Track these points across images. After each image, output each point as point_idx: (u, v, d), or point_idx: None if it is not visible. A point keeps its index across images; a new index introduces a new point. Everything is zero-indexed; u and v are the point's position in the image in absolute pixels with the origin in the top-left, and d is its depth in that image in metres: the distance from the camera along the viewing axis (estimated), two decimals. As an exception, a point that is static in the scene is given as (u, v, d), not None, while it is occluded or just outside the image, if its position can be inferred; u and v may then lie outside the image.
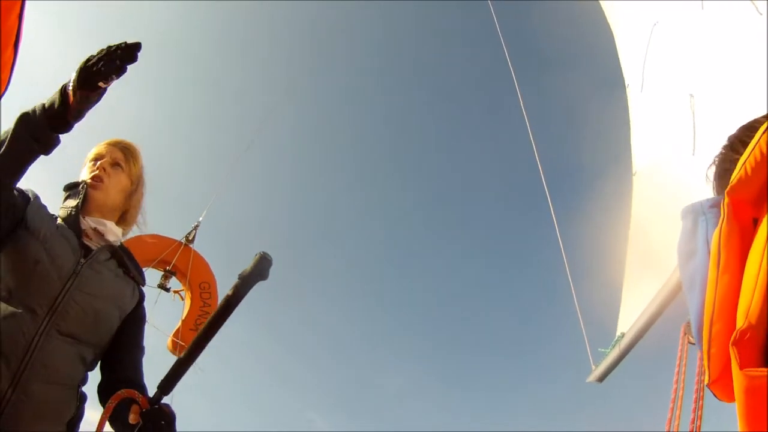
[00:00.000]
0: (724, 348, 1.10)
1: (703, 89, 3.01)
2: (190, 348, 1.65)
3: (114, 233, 2.01)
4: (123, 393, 1.65)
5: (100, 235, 1.96)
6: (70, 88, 1.58)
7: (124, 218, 2.12)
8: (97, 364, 1.92)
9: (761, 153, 1.12)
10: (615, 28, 5.15)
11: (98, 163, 2.02)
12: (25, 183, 1.76)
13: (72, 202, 1.94)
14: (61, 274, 1.73)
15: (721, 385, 1.16)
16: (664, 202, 3.88)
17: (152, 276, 8.09)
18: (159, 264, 8.16)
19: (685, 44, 3.36)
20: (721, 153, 1.46)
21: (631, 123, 4.99)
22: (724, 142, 1.47)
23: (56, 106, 1.60)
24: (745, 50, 2.50)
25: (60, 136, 1.68)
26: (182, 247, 8.42)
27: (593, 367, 3.63)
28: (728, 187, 1.19)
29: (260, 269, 1.65)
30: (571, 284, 4.20)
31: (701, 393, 2.03)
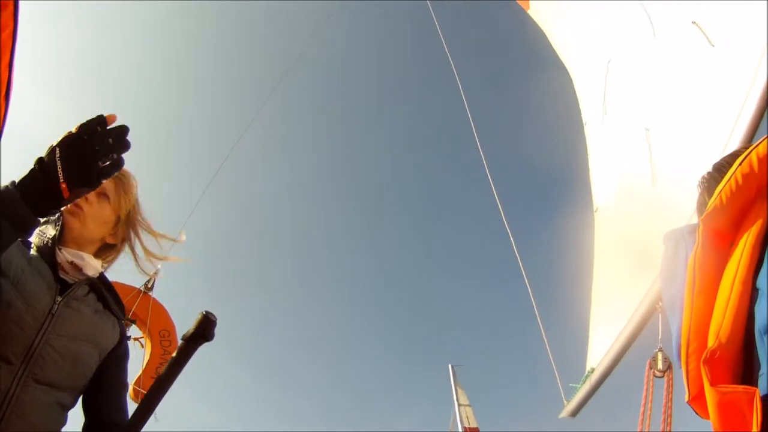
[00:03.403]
0: (699, 366, 1.14)
1: (658, 123, 3.10)
2: (139, 411, 1.58)
3: (93, 267, 1.85)
4: None
5: (77, 269, 1.80)
6: (61, 179, 1.30)
7: (103, 251, 1.96)
8: (76, 402, 1.77)
9: (736, 183, 1.20)
10: (570, 68, 5.31)
11: None
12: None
13: (50, 232, 1.78)
14: (36, 316, 1.58)
15: (701, 401, 1.20)
16: (627, 236, 3.94)
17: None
18: (119, 312, 8.12)
19: (639, 80, 3.47)
20: (708, 175, 1.55)
21: (589, 160, 5.10)
22: (709, 168, 1.58)
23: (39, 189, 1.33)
24: (698, 81, 2.58)
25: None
26: (141, 294, 8.47)
27: (565, 402, 3.61)
28: (703, 215, 1.27)
29: (202, 330, 1.59)
30: (539, 320, 4.20)
31: (669, 420, 2.10)
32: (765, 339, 1.01)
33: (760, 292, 1.07)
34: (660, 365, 2.49)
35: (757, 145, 1.20)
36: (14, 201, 1.30)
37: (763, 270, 1.09)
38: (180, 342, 1.60)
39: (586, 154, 5.14)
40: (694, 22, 2.44)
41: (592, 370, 3.45)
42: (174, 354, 1.61)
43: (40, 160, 1.32)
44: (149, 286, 8.81)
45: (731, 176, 1.22)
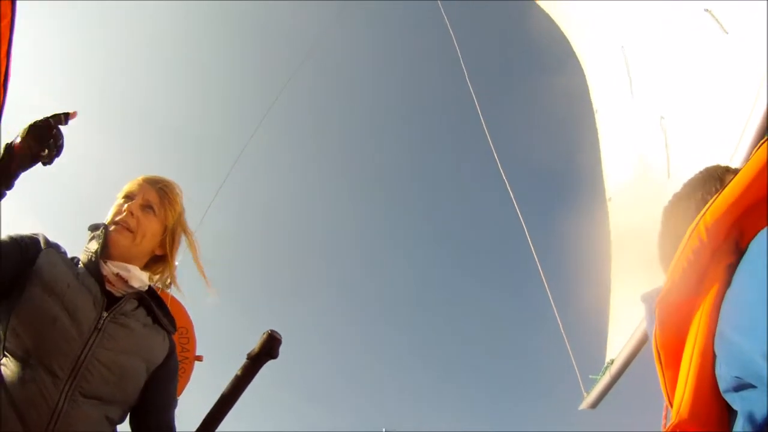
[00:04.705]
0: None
1: (674, 111, 3.06)
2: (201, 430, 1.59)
3: (139, 279, 1.81)
4: None
5: (123, 281, 1.77)
6: (19, 139, 1.49)
7: (153, 264, 1.95)
8: (126, 416, 1.76)
9: (687, 261, 1.15)
10: (581, 55, 5.25)
11: (126, 205, 1.82)
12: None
13: (93, 246, 1.77)
14: (81, 331, 1.58)
15: None
16: (643, 226, 3.89)
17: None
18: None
19: (653, 66, 3.43)
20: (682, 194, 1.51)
21: (601, 149, 5.05)
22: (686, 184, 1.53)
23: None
24: (713, 69, 2.54)
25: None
26: (159, 292, 8.39)
27: (585, 394, 3.58)
28: (659, 296, 1.21)
29: (268, 349, 1.60)
30: (556, 312, 4.17)
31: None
32: (732, 399, 1.02)
33: (717, 356, 1.06)
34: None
35: (705, 212, 1.16)
36: None
37: (717, 335, 1.07)
38: (245, 361, 1.60)
39: (597, 144, 5.09)
40: (706, 10, 2.40)
41: (612, 362, 3.43)
42: (239, 372, 1.60)
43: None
44: (167, 282, 8.69)
45: (681, 253, 1.17)
